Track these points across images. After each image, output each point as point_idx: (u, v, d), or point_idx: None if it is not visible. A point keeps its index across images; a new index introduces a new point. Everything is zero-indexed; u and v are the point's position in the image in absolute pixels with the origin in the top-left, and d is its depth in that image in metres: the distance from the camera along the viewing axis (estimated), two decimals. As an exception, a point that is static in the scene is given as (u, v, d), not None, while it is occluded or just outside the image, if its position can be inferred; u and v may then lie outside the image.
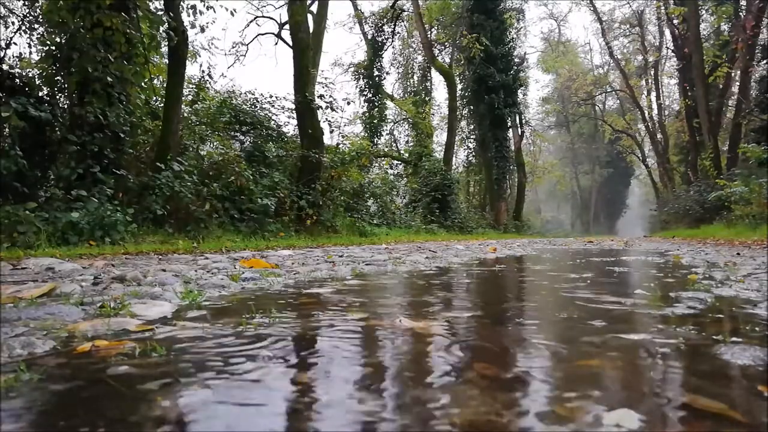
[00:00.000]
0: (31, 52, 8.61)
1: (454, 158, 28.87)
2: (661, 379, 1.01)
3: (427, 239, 14.27)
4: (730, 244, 8.81)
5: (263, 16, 22.91)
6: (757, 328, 1.49)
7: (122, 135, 7.88)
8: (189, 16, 9.47)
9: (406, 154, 26.82)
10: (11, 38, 8.15)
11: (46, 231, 5.81)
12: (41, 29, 8.45)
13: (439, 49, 28.75)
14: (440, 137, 32.07)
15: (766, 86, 17.84)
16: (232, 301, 2.11)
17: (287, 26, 16.87)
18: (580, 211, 58.90)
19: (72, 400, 0.89)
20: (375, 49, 27.44)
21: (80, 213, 6.32)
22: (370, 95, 26.97)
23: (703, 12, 23.68)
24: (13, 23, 8.45)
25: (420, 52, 29.43)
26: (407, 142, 29.72)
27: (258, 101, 14.23)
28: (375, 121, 26.57)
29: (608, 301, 2.12)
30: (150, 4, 8.91)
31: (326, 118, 13.94)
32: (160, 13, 8.90)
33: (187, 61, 10.17)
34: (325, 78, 16.88)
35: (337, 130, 19.25)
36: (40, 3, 8.36)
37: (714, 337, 1.37)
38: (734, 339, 1.33)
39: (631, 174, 56.43)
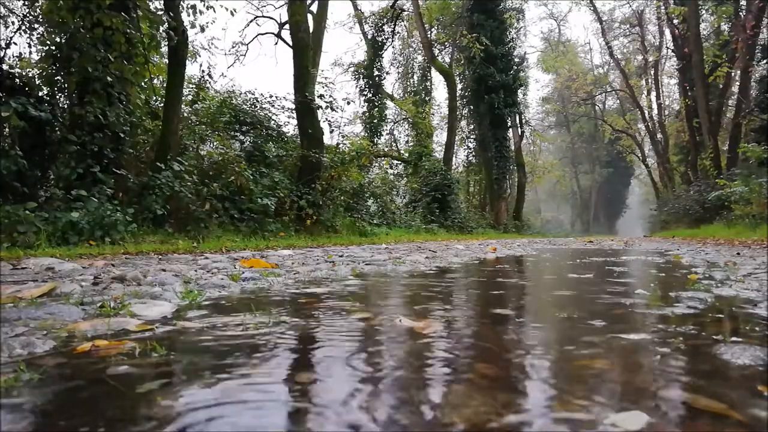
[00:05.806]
0: (31, 52, 8.61)
1: (454, 158, 28.86)
2: (661, 379, 1.01)
3: (427, 239, 14.26)
4: (730, 244, 8.80)
5: (263, 16, 22.86)
6: (757, 328, 1.49)
7: (122, 135, 7.87)
8: (189, 16, 9.47)
9: (406, 154, 26.78)
10: (11, 38, 8.15)
11: (46, 231, 5.80)
12: (41, 29, 8.44)
13: (439, 49, 28.72)
14: (440, 137, 32.09)
15: (766, 86, 17.85)
16: (232, 300, 2.11)
17: (287, 26, 16.85)
18: (580, 211, 58.89)
19: (72, 400, 0.89)
20: (375, 49, 27.41)
21: (80, 213, 6.32)
22: (370, 95, 26.94)
23: (703, 12, 23.66)
24: (13, 23, 8.45)
25: (420, 52, 29.41)
26: (407, 142, 29.72)
27: (258, 101, 14.22)
28: (375, 121, 26.53)
29: (608, 300, 2.12)
30: (150, 4, 8.90)
31: (326, 118, 13.94)
32: (160, 13, 8.89)
33: (187, 61, 10.16)
34: (325, 78, 16.85)
35: (337, 130, 19.21)
36: (40, 3, 8.35)
37: (714, 336, 1.37)
38: (734, 339, 1.33)
39: (631, 174, 56.43)
